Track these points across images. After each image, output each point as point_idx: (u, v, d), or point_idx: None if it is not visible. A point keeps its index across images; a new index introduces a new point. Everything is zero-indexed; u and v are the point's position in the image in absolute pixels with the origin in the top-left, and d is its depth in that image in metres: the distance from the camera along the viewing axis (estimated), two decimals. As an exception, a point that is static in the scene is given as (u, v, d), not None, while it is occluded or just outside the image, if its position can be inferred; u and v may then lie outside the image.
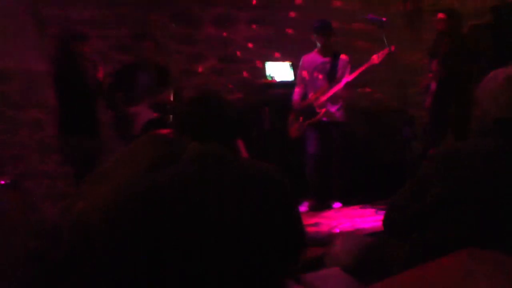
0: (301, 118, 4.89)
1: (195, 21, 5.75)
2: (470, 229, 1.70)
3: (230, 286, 1.61)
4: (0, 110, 5.00)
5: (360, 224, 4.07)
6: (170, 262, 1.59)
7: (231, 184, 1.67)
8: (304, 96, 4.95)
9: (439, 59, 4.74)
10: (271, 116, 5.27)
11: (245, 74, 5.88)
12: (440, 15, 4.82)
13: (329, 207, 4.84)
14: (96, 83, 4.28)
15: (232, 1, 5.86)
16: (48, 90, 4.42)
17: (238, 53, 5.91)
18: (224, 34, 5.85)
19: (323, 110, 4.78)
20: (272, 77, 5.58)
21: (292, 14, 6.02)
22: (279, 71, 5.64)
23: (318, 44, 4.82)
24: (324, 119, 4.81)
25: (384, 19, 4.59)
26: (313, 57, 4.91)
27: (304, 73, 4.96)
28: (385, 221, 1.97)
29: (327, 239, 3.26)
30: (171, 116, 4.57)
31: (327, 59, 4.84)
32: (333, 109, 4.82)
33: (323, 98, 4.77)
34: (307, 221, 4.18)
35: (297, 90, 5.01)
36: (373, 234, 2.99)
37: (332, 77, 4.78)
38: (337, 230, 3.93)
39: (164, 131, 2.10)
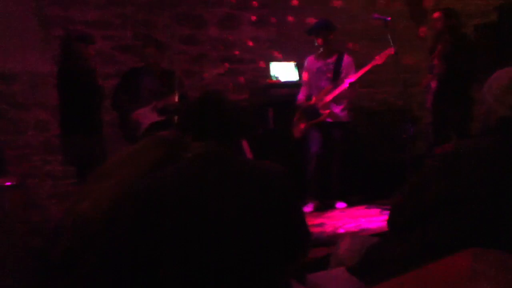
0: (305, 119, 4.89)
1: (199, 22, 5.75)
2: (472, 228, 1.69)
3: (232, 285, 1.61)
4: (4, 110, 5.01)
5: (365, 224, 4.07)
6: (171, 261, 1.58)
7: (232, 184, 1.67)
8: (309, 96, 4.95)
9: (438, 58, 4.74)
10: (275, 117, 5.27)
11: (249, 74, 5.87)
12: (436, 14, 4.85)
13: (332, 207, 4.84)
14: (97, 85, 4.30)
15: (236, 2, 5.86)
16: (52, 90, 4.44)
17: (242, 53, 5.90)
18: (228, 35, 5.85)
19: (327, 111, 4.77)
20: (276, 78, 5.59)
21: (296, 15, 6.01)
22: (284, 71, 5.64)
23: (317, 45, 4.81)
24: (329, 119, 4.80)
25: (388, 18, 4.59)
26: (317, 58, 4.90)
27: (308, 74, 4.96)
28: (389, 221, 1.97)
29: (332, 240, 3.26)
30: (175, 119, 4.57)
31: (331, 60, 4.83)
32: (337, 109, 4.81)
33: (327, 98, 4.76)
34: (312, 221, 4.19)
35: (302, 91, 5.01)
36: (378, 234, 2.97)
37: (336, 77, 4.77)
38: (342, 231, 3.92)
39: (167, 132, 2.10)
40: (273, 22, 5.97)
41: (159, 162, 1.85)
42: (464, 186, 1.72)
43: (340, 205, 4.85)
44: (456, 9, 4.97)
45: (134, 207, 1.64)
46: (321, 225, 4.14)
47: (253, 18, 5.93)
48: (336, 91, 4.72)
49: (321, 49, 4.83)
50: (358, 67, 4.70)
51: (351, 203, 4.86)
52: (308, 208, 4.77)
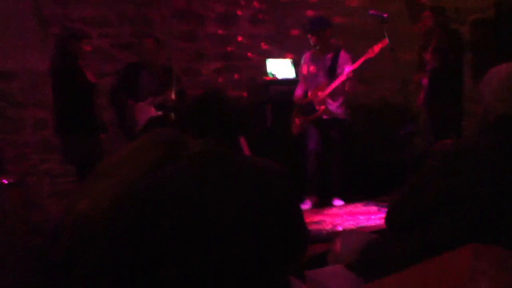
0: (301, 115, 4.89)
1: (197, 19, 5.75)
2: (472, 228, 1.69)
3: (232, 285, 1.61)
4: (2, 109, 5.01)
5: (363, 222, 4.08)
6: (171, 261, 1.59)
7: (232, 184, 1.67)
8: (305, 93, 4.95)
9: (431, 53, 4.76)
10: (273, 114, 5.27)
11: (246, 71, 5.87)
12: (426, 13, 4.92)
13: (329, 204, 4.84)
14: (89, 82, 4.30)
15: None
16: (50, 89, 4.44)
17: (240, 50, 5.90)
18: (226, 31, 5.85)
19: (322, 107, 4.77)
20: (273, 74, 5.58)
21: (294, 10, 6.01)
22: (280, 68, 5.63)
23: (313, 43, 4.80)
24: (325, 116, 4.80)
25: (385, 14, 4.60)
26: (314, 54, 4.90)
27: (305, 70, 4.96)
28: (387, 219, 1.97)
29: (331, 237, 3.27)
30: (173, 114, 4.59)
31: (327, 56, 4.83)
32: (333, 105, 4.81)
33: (322, 94, 4.76)
34: (310, 218, 4.20)
35: (298, 87, 5.01)
36: (376, 231, 2.99)
37: (332, 73, 4.77)
38: (340, 228, 3.93)
39: (166, 129, 2.10)
40: (271, 19, 5.96)
41: (159, 162, 1.85)
42: (464, 185, 1.72)
43: (338, 202, 4.86)
44: (454, 5, 4.99)
45: (134, 207, 1.64)
46: (319, 222, 4.15)
47: (251, 15, 5.93)
48: (331, 86, 4.71)
49: (318, 46, 4.82)
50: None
51: (348, 201, 4.87)
52: (305, 205, 4.78)
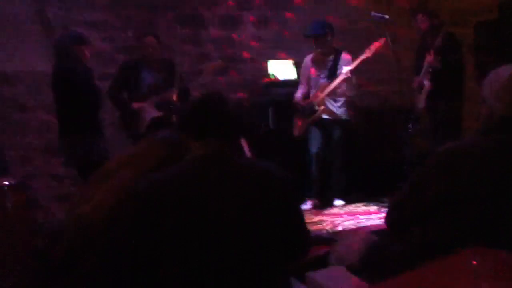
0: (302, 117, 4.90)
1: (200, 22, 5.76)
2: (472, 228, 1.69)
3: (232, 285, 1.62)
4: (6, 112, 5.03)
5: (364, 222, 4.08)
6: (171, 261, 1.60)
7: (232, 185, 1.68)
8: (306, 94, 4.96)
9: (433, 55, 4.76)
10: (275, 116, 5.27)
11: (248, 73, 5.87)
12: (419, 16, 4.91)
13: (330, 204, 4.84)
14: (93, 86, 4.30)
15: (236, 2, 5.87)
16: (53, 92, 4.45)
17: (242, 52, 5.91)
18: (229, 34, 5.86)
19: (322, 107, 4.78)
20: (274, 76, 5.58)
21: (295, 13, 6.01)
22: (282, 69, 5.63)
23: (314, 46, 4.82)
24: (326, 116, 4.81)
25: (387, 16, 4.59)
26: (315, 56, 4.91)
27: (306, 72, 4.97)
28: (387, 219, 1.98)
29: (332, 237, 3.27)
30: (175, 114, 4.57)
31: (329, 58, 4.84)
32: (334, 106, 4.83)
33: (322, 95, 4.77)
34: (311, 219, 4.20)
35: (299, 88, 5.02)
36: (376, 232, 2.99)
37: (333, 75, 4.78)
38: (341, 228, 3.93)
39: (168, 132, 2.11)
40: (273, 21, 5.97)
41: (161, 163, 1.86)
42: (464, 186, 1.72)
43: (338, 202, 4.86)
44: (457, 6, 4.99)
45: (134, 207, 1.66)
46: (320, 222, 4.15)
47: (254, 17, 5.94)
48: (331, 86, 4.72)
49: (319, 49, 4.82)
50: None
51: (348, 201, 4.87)
52: (306, 206, 4.78)
